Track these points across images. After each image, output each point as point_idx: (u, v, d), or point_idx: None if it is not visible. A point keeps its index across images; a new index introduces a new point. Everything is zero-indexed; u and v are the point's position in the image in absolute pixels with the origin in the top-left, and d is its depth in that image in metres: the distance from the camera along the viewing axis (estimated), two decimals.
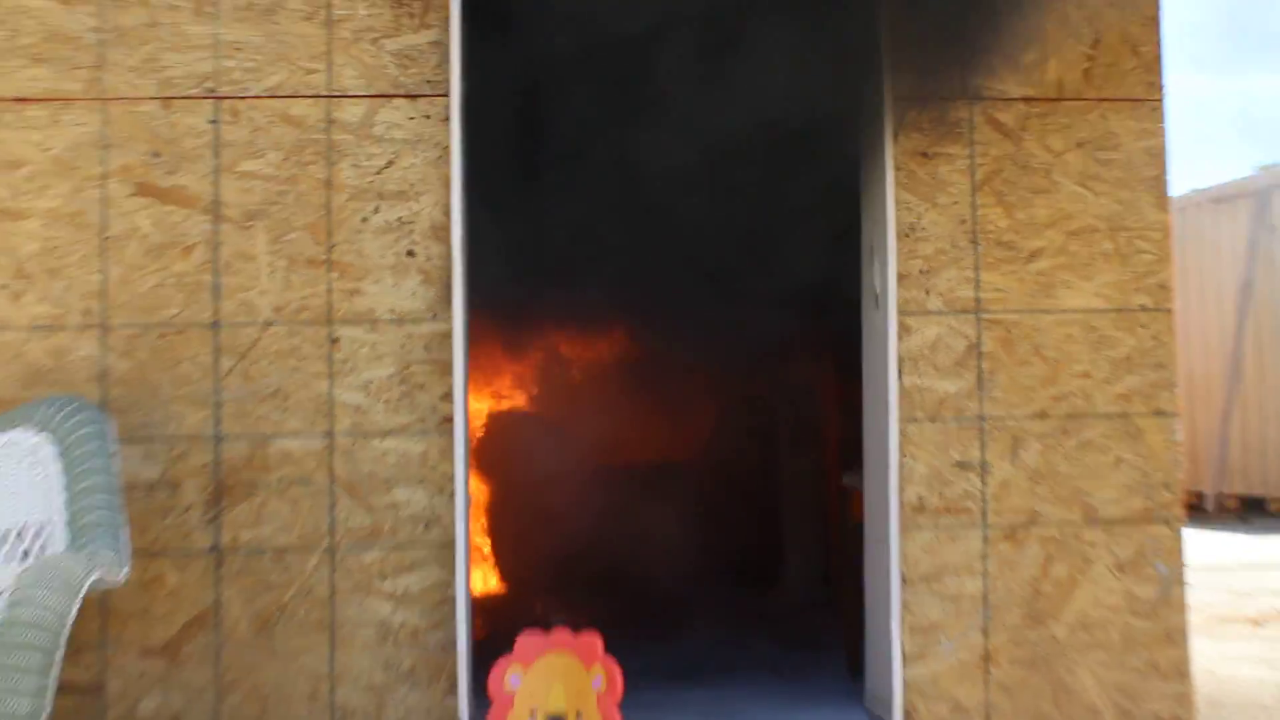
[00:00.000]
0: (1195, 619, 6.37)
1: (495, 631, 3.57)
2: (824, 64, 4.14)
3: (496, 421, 6.64)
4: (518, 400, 6.84)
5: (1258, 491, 11.95)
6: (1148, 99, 4.13)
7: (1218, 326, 12.34)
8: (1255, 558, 9.26)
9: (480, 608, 5.89)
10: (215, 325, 3.81)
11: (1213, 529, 10.85)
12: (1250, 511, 11.96)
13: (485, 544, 6.49)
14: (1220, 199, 12.57)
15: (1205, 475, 12.16)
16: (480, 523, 6.51)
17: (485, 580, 6.47)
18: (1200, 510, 11.84)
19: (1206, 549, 9.35)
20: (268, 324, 3.82)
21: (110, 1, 3.84)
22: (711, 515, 6.25)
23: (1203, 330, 12.25)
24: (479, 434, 6.48)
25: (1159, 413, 4.09)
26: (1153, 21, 4.12)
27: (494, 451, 6.41)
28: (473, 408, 6.24)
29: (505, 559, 6.41)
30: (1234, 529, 11.09)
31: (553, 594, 6.01)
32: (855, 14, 4.00)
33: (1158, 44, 4.13)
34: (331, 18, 3.88)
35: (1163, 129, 4.15)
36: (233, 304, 3.81)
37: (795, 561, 6.40)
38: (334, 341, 3.83)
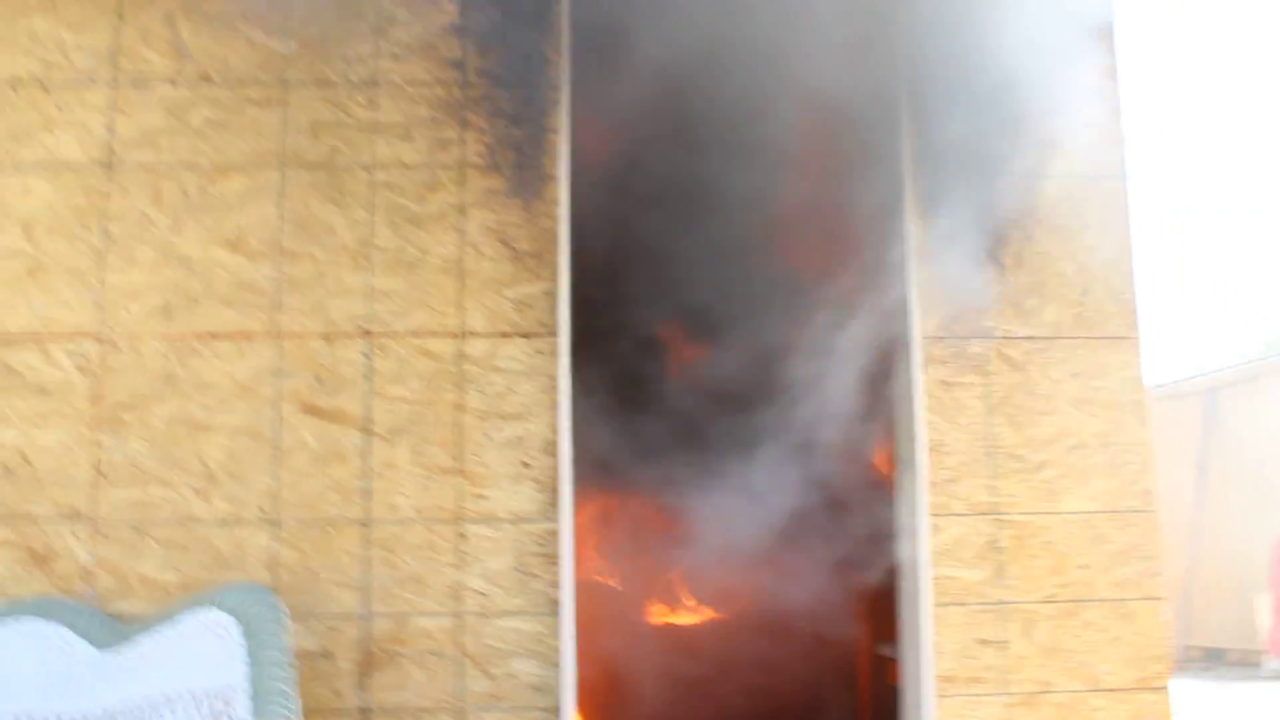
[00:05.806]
0: None
1: None
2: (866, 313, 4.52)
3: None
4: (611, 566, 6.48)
5: (1219, 643, 12.59)
6: (1127, 337, 4.39)
7: (1177, 501, 12.80)
8: (1218, 703, 9.78)
9: None
10: (365, 522, 4.06)
11: (1177, 676, 11.20)
12: (1212, 660, 12.57)
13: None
14: (1171, 397, 13.18)
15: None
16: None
17: None
18: None
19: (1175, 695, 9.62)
20: (408, 522, 4.07)
21: (285, 258, 4.16)
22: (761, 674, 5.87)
23: (1165, 505, 12.62)
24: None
25: (1148, 598, 4.26)
26: (1129, 275, 4.42)
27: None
28: None
29: None
30: (1199, 676, 11.70)
31: None
32: (891, 281, 4.46)
33: (1133, 293, 4.40)
34: (463, 270, 4.17)
35: (1139, 361, 4.38)
36: (380, 505, 4.07)
37: None
38: (462, 537, 4.07)
